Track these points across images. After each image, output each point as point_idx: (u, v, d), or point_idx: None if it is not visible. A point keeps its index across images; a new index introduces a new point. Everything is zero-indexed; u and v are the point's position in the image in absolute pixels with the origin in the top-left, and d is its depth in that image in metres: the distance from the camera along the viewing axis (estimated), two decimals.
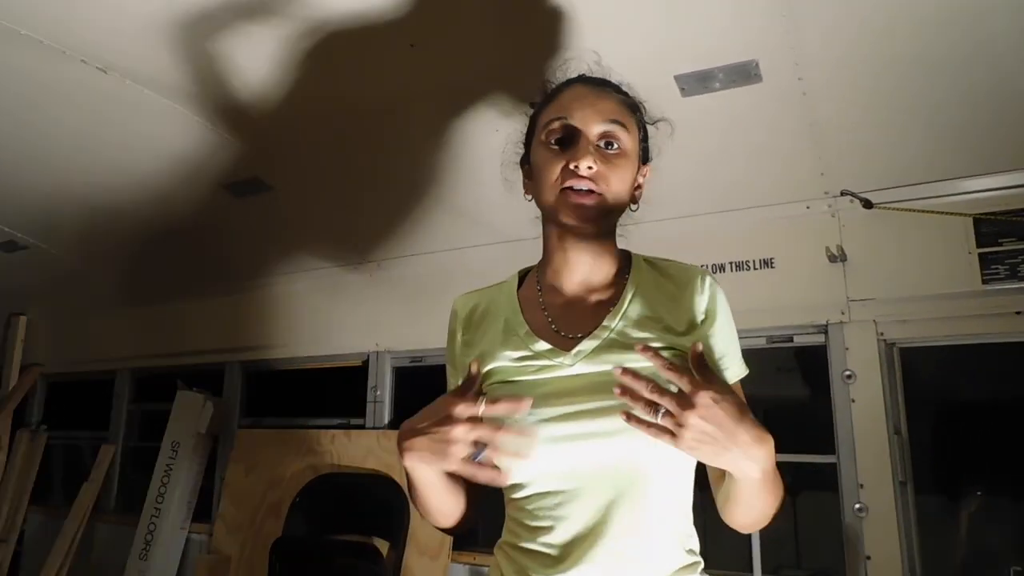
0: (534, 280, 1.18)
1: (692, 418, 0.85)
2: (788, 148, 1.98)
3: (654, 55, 1.77)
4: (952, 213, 1.89)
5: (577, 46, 1.75)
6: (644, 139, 1.18)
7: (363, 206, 2.68)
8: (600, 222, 1.09)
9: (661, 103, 1.83)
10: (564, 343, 1.06)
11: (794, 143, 1.95)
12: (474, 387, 1.00)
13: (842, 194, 2.04)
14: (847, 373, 1.98)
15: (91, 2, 1.80)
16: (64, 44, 1.99)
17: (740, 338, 2.19)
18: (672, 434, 0.86)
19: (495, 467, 0.96)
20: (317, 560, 2.72)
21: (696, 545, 1.07)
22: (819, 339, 2.08)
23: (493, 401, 0.94)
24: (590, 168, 1.05)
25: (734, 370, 1.09)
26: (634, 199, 1.15)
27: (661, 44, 1.74)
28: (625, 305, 1.09)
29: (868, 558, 1.87)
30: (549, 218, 1.13)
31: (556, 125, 1.10)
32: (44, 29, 1.94)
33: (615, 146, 1.09)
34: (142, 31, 1.90)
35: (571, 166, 1.05)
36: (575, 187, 1.05)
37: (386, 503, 2.67)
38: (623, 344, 1.04)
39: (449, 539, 2.49)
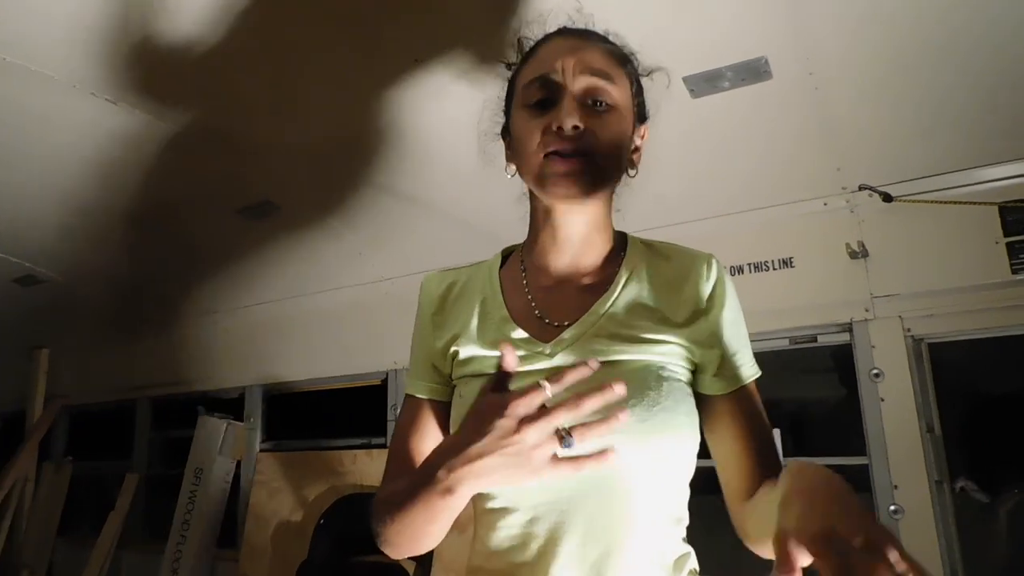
0: (518, 260, 1.06)
1: None
2: (802, 144, 1.95)
3: (660, 58, 1.75)
4: (976, 203, 1.84)
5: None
6: (638, 93, 1.04)
7: (373, 223, 2.68)
8: (591, 189, 0.94)
9: (669, 105, 1.84)
10: (546, 331, 0.95)
11: (808, 139, 1.92)
12: (511, 377, 0.80)
13: (860, 189, 1.99)
14: (875, 371, 1.93)
15: (95, 31, 1.81)
16: (73, 78, 2.01)
17: (762, 340, 2.17)
18: None
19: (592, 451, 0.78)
20: None
21: (695, 564, 0.95)
22: (844, 338, 2.04)
23: (555, 378, 0.76)
24: (575, 128, 0.92)
25: (749, 369, 0.97)
26: (632, 163, 1.02)
27: (667, 46, 1.72)
28: (618, 289, 0.97)
29: None
30: (534, 190, 1.00)
31: (536, 84, 0.96)
32: (51, 61, 1.96)
33: (603, 103, 0.95)
34: (153, 65, 1.91)
35: (554, 127, 0.92)
36: (561, 151, 0.92)
37: None
38: (611, 334, 0.92)
39: None
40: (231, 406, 3.51)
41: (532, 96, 0.97)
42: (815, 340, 2.10)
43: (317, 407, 3.38)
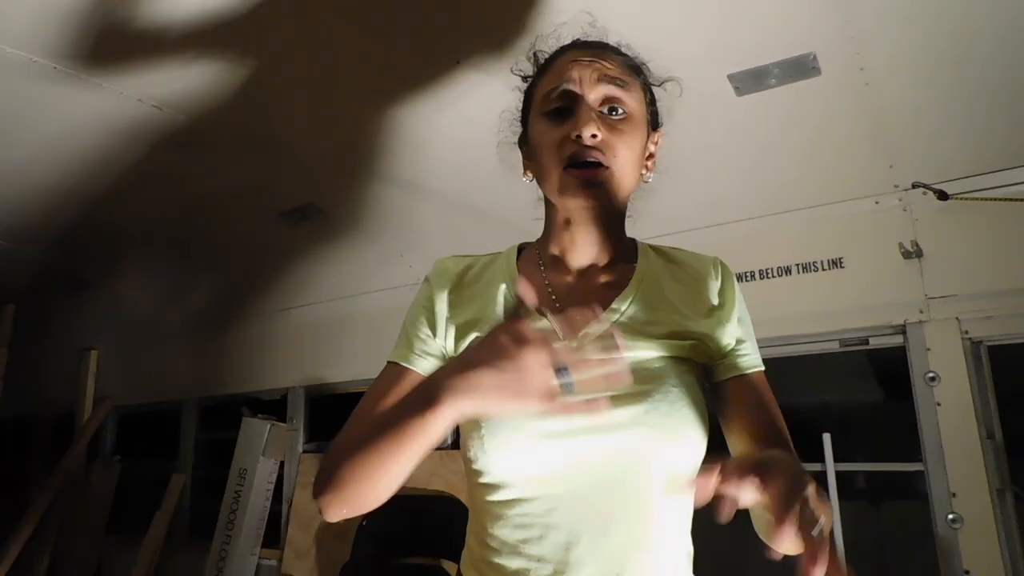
0: (535, 255, 1.08)
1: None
2: (852, 142, 1.92)
3: (705, 55, 1.74)
4: None
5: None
6: (651, 103, 1.08)
7: (413, 224, 2.70)
8: (609, 199, 0.98)
9: (715, 104, 1.82)
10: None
11: (858, 136, 1.89)
12: (526, 316, 0.78)
13: (913, 187, 1.95)
14: (930, 375, 1.89)
15: (141, 40, 1.86)
16: (118, 83, 2.06)
17: (811, 342, 2.13)
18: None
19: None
20: None
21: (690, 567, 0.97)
22: (897, 340, 1.99)
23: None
24: (594, 136, 0.95)
25: (755, 357, 1.01)
26: (646, 168, 1.06)
27: (712, 43, 1.72)
28: (635, 289, 1.00)
29: (967, 572, 1.77)
30: (553, 199, 1.03)
31: (554, 95, 1.00)
32: (103, 70, 2.01)
33: (619, 111, 0.99)
34: (191, 69, 1.96)
35: (573, 136, 0.95)
36: (580, 159, 0.95)
37: (452, 524, 2.66)
38: (632, 330, 0.95)
39: None
40: (274, 407, 3.56)
41: (550, 106, 1.00)
42: (867, 343, 2.06)
43: None
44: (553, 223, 1.06)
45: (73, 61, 1.94)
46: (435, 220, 2.65)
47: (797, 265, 2.15)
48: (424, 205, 2.57)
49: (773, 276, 2.17)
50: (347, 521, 2.94)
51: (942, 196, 1.91)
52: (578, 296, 1.00)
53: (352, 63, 1.91)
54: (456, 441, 2.88)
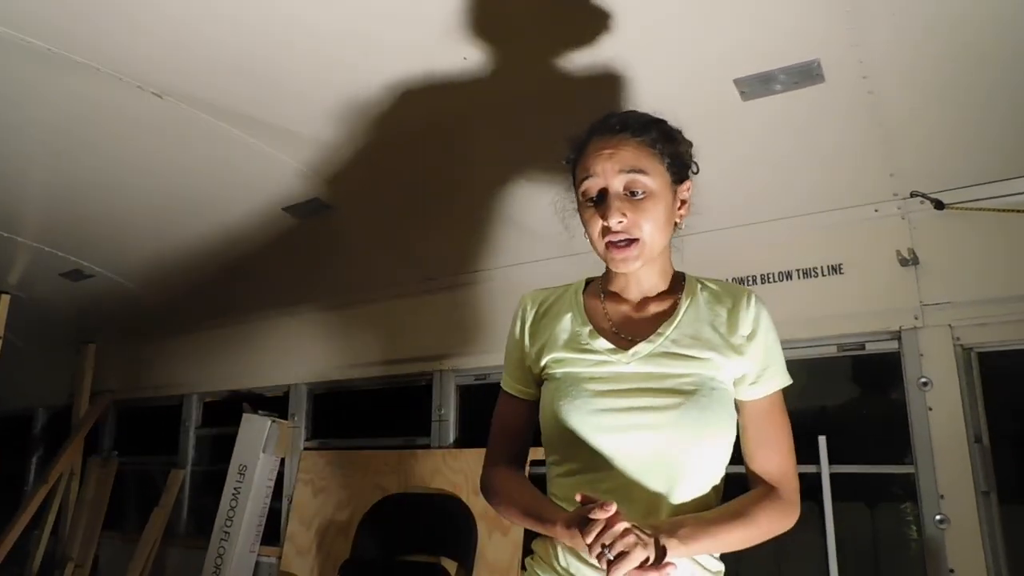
0: (598, 288, 1.39)
1: None
2: (854, 150, 2.02)
3: (712, 59, 1.83)
4: None
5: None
6: (672, 163, 1.32)
7: (424, 224, 2.81)
8: (645, 262, 1.28)
9: (720, 108, 1.93)
10: (623, 344, 1.27)
11: (860, 144, 2.00)
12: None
13: (912, 195, 2.06)
14: (923, 380, 2.01)
15: (147, 29, 1.95)
16: (121, 71, 2.15)
17: (810, 346, 2.26)
18: None
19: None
20: None
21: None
22: (892, 346, 2.11)
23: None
24: (620, 222, 1.24)
25: (778, 380, 1.29)
26: (679, 217, 1.34)
27: (719, 47, 1.80)
28: (679, 316, 1.29)
29: (952, 572, 1.90)
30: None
31: (586, 186, 1.29)
32: (101, 55, 2.09)
33: (639, 192, 1.26)
34: (200, 57, 2.05)
35: (604, 224, 1.26)
36: (614, 241, 1.25)
37: (454, 523, 2.78)
38: (674, 353, 1.25)
39: (518, 557, 2.59)
40: (276, 404, 3.68)
41: (585, 195, 1.30)
42: (863, 348, 2.19)
43: (362, 406, 3.54)
44: (609, 269, 1.36)
45: (71, 44, 2.02)
46: (442, 217, 2.77)
47: (798, 270, 2.26)
48: (430, 202, 2.68)
49: (774, 280, 2.30)
50: (348, 519, 3.09)
51: (939, 205, 2.03)
52: (632, 324, 1.31)
53: None
54: (458, 439, 3.02)
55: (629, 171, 1.26)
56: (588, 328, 1.31)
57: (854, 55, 1.76)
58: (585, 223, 1.32)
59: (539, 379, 1.35)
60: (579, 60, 1.89)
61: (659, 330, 1.27)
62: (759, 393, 1.27)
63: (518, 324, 1.40)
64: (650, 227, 1.26)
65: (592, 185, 1.28)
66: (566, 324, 1.34)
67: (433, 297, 3.11)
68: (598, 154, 1.29)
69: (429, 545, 2.84)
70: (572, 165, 1.38)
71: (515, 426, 1.40)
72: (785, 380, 1.30)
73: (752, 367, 1.26)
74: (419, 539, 2.88)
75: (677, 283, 1.37)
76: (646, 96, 1.92)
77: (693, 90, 1.93)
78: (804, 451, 2.19)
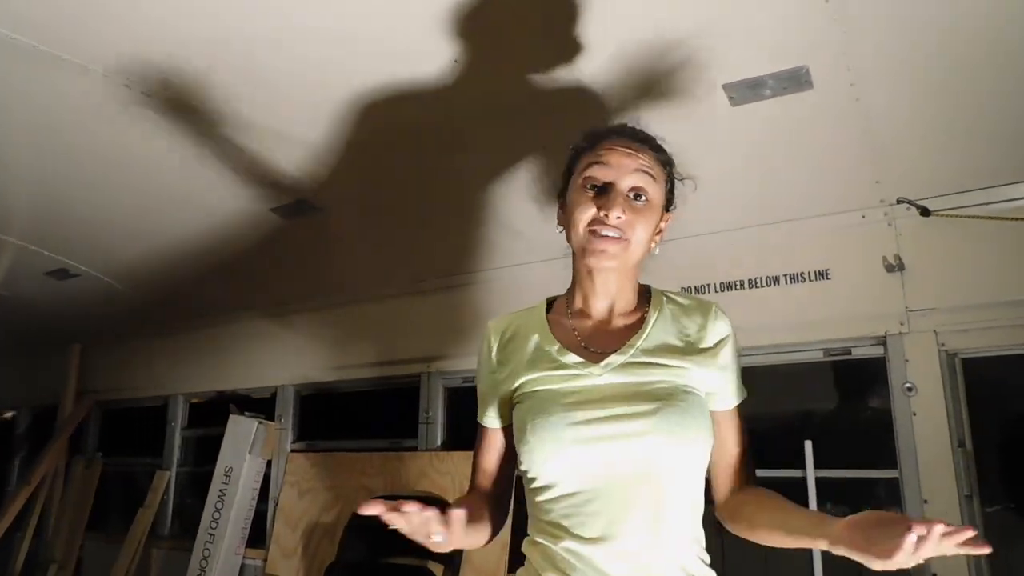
0: (563, 305, 1.37)
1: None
2: (841, 156, 2.05)
3: (702, 63, 1.85)
4: (1013, 218, 1.94)
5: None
6: (670, 190, 1.36)
7: (413, 226, 2.82)
8: (623, 262, 1.26)
9: (710, 113, 1.95)
10: (593, 357, 1.25)
11: (847, 151, 2.02)
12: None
13: (898, 202, 2.10)
14: (907, 385, 2.04)
15: (134, 27, 1.96)
16: (108, 69, 2.14)
17: (796, 351, 2.28)
18: None
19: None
20: None
21: (707, 556, 1.22)
22: (878, 351, 2.14)
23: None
24: (619, 218, 1.23)
25: (736, 396, 1.29)
26: (654, 242, 1.33)
27: (709, 51, 1.82)
28: (649, 327, 1.28)
29: (935, 575, 1.93)
30: (578, 255, 1.31)
31: (593, 172, 1.27)
32: (87, 53, 2.09)
33: (643, 198, 1.27)
34: (188, 57, 2.05)
35: (601, 214, 1.24)
36: (602, 232, 1.23)
37: None
38: (646, 362, 1.24)
39: (505, 560, 2.60)
40: (263, 405, 3.68)
41: (589, 182, 1.27)
42: (849, 353, 2.21)
43: (350, 408, 3.55)
44: (578, 273, 1.34)
45: (57, 41, 2.01)
46: (429, 221, 2.78)
47: (785, 275, 2.29)
48: (419, 206, 2.70)
49: (762, 286, 2.32)
50: (335, 521, 3.09)
51: (925, 212, 2.06)
52: (600, 336, 1.29)
53: None
54: (445, 442, 3.03)
55: (642, 174, 1.27)
56: (556, 346, 1.28)
57: (842, 62, 1.78)
58: (573, 206, 1.29)
59: (512, 404, 1.31)
60: (569, 65, 1.90)
61: (630, 341, 1.26)
62: (732, 403, 1.29)
63: (485, 352, 1.38)
64: (642, 234, 1.26)
65: (601, 174, 1.27)
66: (533, 345, 1.31)
67: (421, 299, 3.12)
68: (617, 149, 1.28)
69: (416, 548, 2.82)
70: (577, 153, 1.36)
71: (490, 463, 1.36)
72: (743, 393, 1.31)
73: (724, 376, 1.27)
74: (406, 542, 2.85)
75: (643, 297, 1.36)
76: (634, 99, 1.94)
77: (682, 94, 1.95)
78: (790, 456, 2.24)
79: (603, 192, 1.26)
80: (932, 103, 1.86)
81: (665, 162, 1.33)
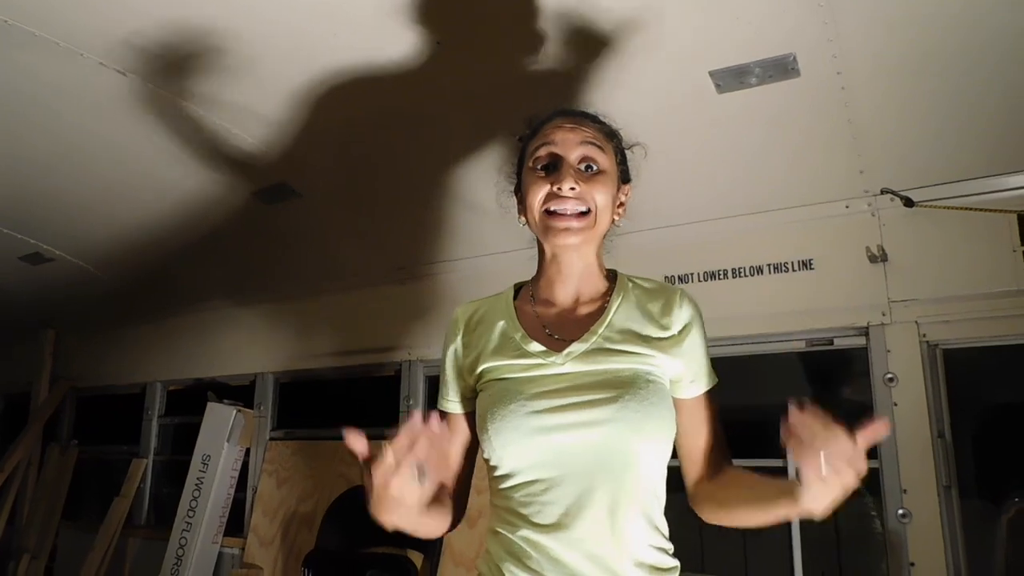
0: (528, 292, 1.38)
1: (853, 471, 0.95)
2: (827, 145, 2.06)
3: (688, 49, 1.85)
4: (995, 210, 1.96)
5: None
6: (622, 162, 1.36)
7: (394, 213, 2.81)
8: (585, 237, 1.27)
9: (695, 100, 1.96)
10: (556, 345, 1.25)
11: (833, 140, 2.04)
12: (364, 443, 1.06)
13: (882, 192, 2.11)
14: (889, 376, 2.06)
15: (108, 4, 1.94)
16: (81, 46, 2.11)
17: (779, 341, 2.30)
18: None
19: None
20: (351, 573, 2.86)
21: (669, 546, 1.22)
22: (860, 341, 2.16)
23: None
24: (572, 189, 1.24)
25: (705, 381, 1.28)
26: (618, 215, 1.35)
27: (696, 37, 1.82)
28: (611, 313, 1.28)
29: (912, 564, 1.95)
30: (540, 239, 1.32)
31: (541, 153, 1.29)
32: (60, 30, 2.06)
33: (594, 167, 1.28)
34: (164, 34, 2.03)
35: (554, 188, 1.25)
36: (558, 210, 1.25)
37: None
38: (608, 349, 1.24)
39: (484, 549, 2.61)
40: (241, 393, 3.66)
41: (538, 163, 1.30)
42: (831, 343, 2.23)
43: (330, 396, 3.54)
44: (543, 260, 1.35)
45: (29, 17, 1.99)
46: (411, 207, 2.77)
47: (769, 265, 2.30)
48: (402, 191, 2.68)
49: (746, 275, 2.33)
50: (313, 510, 3.09)
51: (908, 203, 2.08)
52: (564, 323, 1.29)
53: None
54: None
55: (588, 144, 1.28)
56: (520, 333, 1.29)
57: (829, 50, 1.79)
58: (527, 189, 1.30)
59: (475, 390, 1.31)
60: (551, 50, 1.90)
61: (592, 328, 1.26)
62: (700, 390, 1.28)
63: (452, 337, 1.38)
64: (602, 199, 1.26)
65: (546, 152, 1.29)
66: (499, 331, 1.32)
67: (403, 287, 3.11)
68: (559, 127, 1.30)
69: (395, 536, 2.83)
70: (524, 142, 1.38)
71: (459, 445, 1.34)
72: (714, 379, 1.29)
73: (689, 364, 1.26)
74: (385, 531, 2.88)
75: (610, 282, 1.36)
76: (621, 86, 1.94)
77: (668, 81, 1.96)
78: (771, 445, 2.25)
79: (553, 168, 1.28)
80: (917, 93, 1.87)
81: (610, 133, 1.35)
